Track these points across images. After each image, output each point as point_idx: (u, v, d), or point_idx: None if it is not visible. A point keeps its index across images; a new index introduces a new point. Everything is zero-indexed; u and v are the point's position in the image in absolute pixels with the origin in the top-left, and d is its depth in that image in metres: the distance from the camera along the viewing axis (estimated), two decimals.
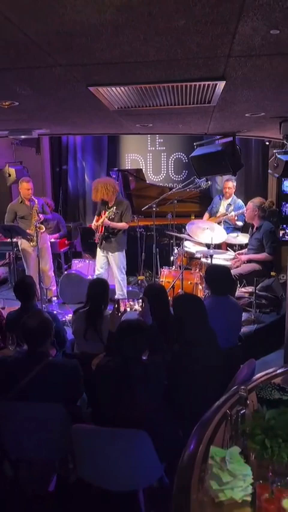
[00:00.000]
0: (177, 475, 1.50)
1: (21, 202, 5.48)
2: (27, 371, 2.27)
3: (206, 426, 1.68)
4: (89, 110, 2.90)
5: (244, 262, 4.91)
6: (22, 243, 5.51)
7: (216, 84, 2.12)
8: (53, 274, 5.88)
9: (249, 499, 1.29)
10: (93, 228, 5.29)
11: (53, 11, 1.27)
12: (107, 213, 5.02)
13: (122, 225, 5.13)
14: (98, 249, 5.32)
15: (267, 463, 1.35)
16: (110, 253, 5.22)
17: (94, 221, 5.28)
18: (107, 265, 5.30)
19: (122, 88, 2.21)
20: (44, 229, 5.47)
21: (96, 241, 5.28)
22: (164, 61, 1.78)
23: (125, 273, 5.35)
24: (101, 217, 5.11)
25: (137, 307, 2.78)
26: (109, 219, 5.03)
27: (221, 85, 2.12)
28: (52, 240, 6.14)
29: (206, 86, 2.16)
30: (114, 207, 5.03)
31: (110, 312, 2.83)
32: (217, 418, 1.72)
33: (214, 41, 1.53)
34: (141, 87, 2.17)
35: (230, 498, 1.28)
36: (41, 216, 5.36)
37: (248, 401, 1.63)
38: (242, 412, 1.53)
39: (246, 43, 1.56)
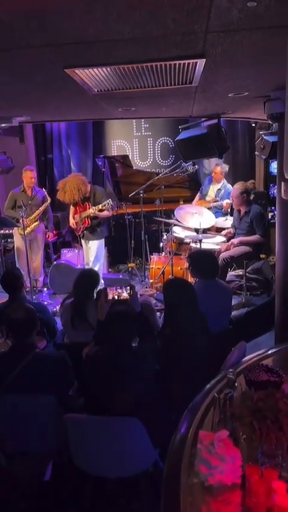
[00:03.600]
0: (167, 459, 1.50)
1: (22, 191, 5.53)
2: (14, 364, 2.25)
3: (196, 410, 1.67)
4: (69, 95, 2.82)
5: (236, 245, 4.91)
6: (16, 236, 5.51)
7: (196, 63, 2.06)
8: (42, 265, 5.87)
9: (238, 481, 1.28)
10: (73, 225, 5.20)
11: None
12: (100, 206, 4.94)
13: (106, 213, 5.09)
14: (83, 241, 5.29)
15: (256, 444, 1.34)
16: (90, 242, 5.18)
17: (72, 214, 5.17)
18: None
19: (99, 69, 2.14)
20: (38, 223, 5.53)
21: (79, 234, 5.24)
22: (140, 39, 1.72)
23: (101, 261, 5.33)
24: (82, 209, 5.03)
25: (125, 294, 2.75)
26: (98, 210, 4.96)
27: (201, 63, 2.06)
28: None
29: (186, 64, 2.10)
30: (109, 200, 4.95)
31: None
32: (206, 401, 1.71)
33: (190, 15, 1.47)
34: (120, 67, 2.11)
35: (220, 481, 1.27)
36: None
37: (237, 384, 1.62)
38: (230, 394, 1.52)
39: (224, 17, 1.50)
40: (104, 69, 2.13)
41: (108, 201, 4.95)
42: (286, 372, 1.70)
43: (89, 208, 4.99)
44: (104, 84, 2.46)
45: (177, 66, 2.12)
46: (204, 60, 2.01)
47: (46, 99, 3.01)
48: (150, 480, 2.28)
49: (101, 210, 4.98)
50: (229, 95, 3.00)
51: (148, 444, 2.10)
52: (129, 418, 2.01)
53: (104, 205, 4.93)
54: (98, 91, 2.63)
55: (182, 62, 2.04)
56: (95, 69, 2.13)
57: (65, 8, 1.38)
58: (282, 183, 1.28)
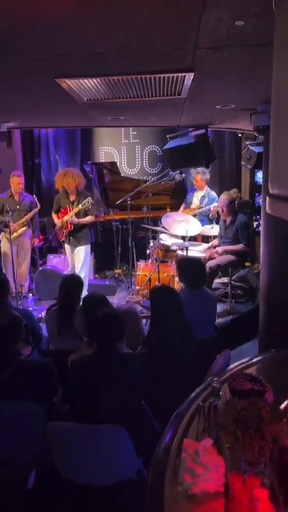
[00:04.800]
0: (151, 468, 1.51)
1: (10, 196, 5.51)
2: None
3: (180, 419, 1.69)
4: (58, 103, 2.84)
5: (220, 254, 4.99)
6: (3, 241, 5.47)
7: (184, 76, 2.11)
8: (28, 271, 5.83)
9: (222, 489, 1.30)
10: (58, 229, 5.24)
11: None
12: (79, 205, 4.98)
13: (89, 218, 5.12)
14: (67, 246, 5.29)
15: (239, 453, 1.36)
16: (77, 247, 5.19)
17: (55, 219, 5.22)
18: None
19: (90, 80, 2.17)
20: (26, 228, 5.51)
21: (62, 239, 5.25)
22: (131, 52, 1.75)
23: (88, 267, 5.37)
24: (64, 213, 5.07)
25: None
26: (80, 213, 4.99)
27: (189, 77, 2.11)
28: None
29: (175, 77, 2.14)
30: (88, 199, 4.99)
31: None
32: (191, 410, 1.73)
33: (180, 31, 1.51)
34: (110, 79, 2.13)
35: (203, 490, 1.29)
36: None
37: (221, 393, 1.65)
38: (214, 403, 1.55)
39: (212, 34, 1.55)
40: (94, 80, 2.16)
41: (87, 199, 4.97)
42: (269, 381, 1.74)
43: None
44: (93, 94, 2.49)
45: (166, 78, 2.16)
46: (193, 74, 2.05)
47: (35, 106, 3.02)
48: (134, 488, 2.28)
49: (79, 212, 4.99)
50: (217, 107, 3.05)
51: (132, 452, 2.11)
52: (114, 426, 2.01)
53: (84, 204, 4.95)
54: (87, 100, 2.65)
55: (171, 75, 2.08)
56: (85, 80, 2.16)
57: (57, 19, 1.40)
58: (267, 197, 1.32)
